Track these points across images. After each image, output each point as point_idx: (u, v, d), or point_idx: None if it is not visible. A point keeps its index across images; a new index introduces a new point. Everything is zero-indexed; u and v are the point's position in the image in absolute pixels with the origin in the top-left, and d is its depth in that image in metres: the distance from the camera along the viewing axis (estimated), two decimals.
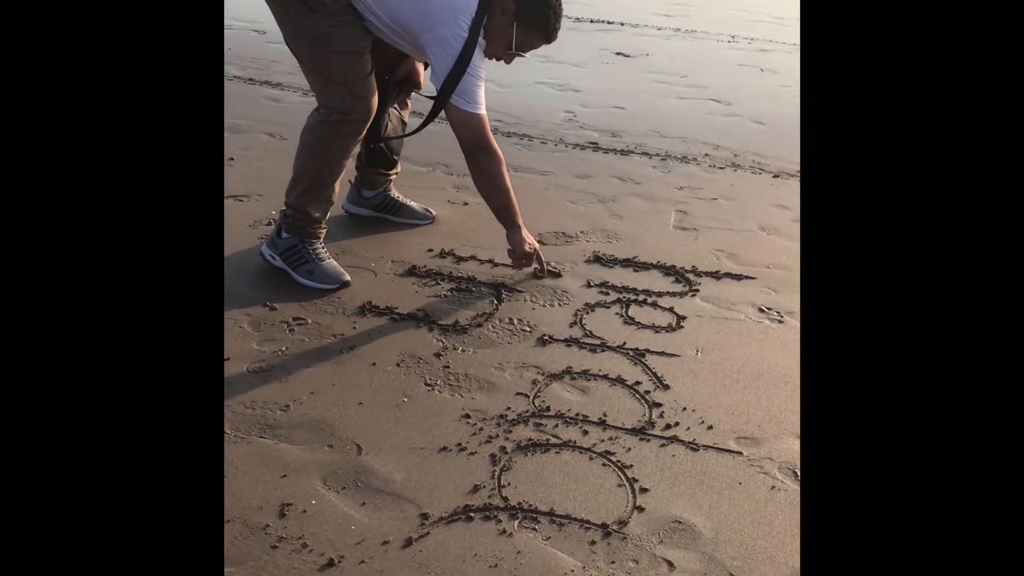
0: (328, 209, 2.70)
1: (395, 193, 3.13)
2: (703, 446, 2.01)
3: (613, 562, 1.67)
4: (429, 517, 1.75)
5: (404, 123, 3.03)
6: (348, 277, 2.63)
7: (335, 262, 2.68)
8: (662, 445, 2.01)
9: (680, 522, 1.78)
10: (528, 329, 2.48)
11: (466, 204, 3.33)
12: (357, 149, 2.76)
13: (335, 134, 2.58)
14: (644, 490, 1.86)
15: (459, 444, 1.97)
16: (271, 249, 2.68)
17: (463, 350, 2.35)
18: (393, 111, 2.93)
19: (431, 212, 3.17)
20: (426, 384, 2.19)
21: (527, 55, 2.58)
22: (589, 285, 2.75)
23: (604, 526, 1.76)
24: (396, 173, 3.12)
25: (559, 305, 2.62)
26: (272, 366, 2.21)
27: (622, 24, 7.26)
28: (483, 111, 2.53)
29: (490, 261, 2.86)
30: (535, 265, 2.73)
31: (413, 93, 3.03)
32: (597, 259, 2.93)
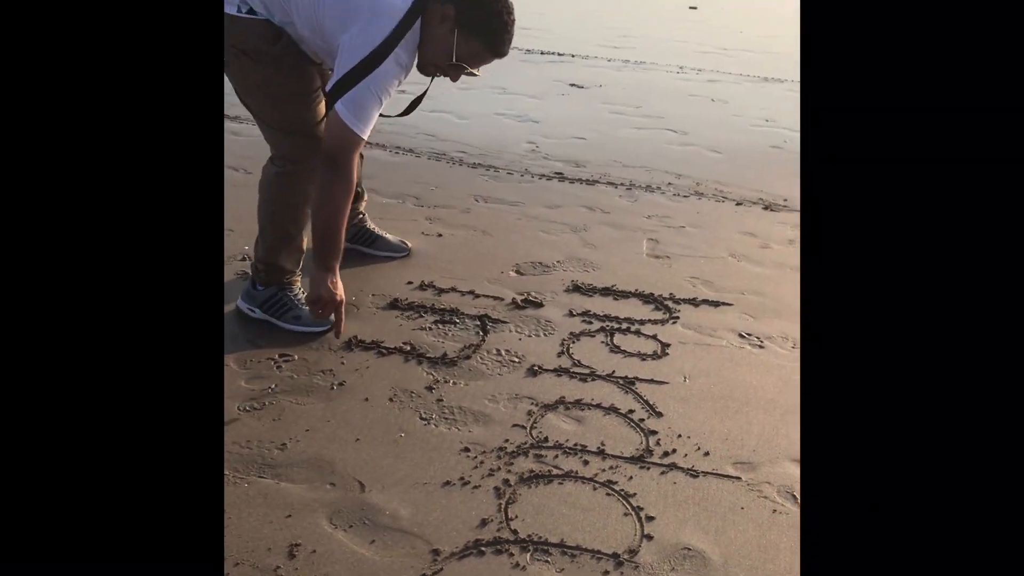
0: (300, 258, 2.61)
1: (371, 225, 3.12)
2: (702, 472, 2.04)
3: None
4: (440, 553, 1.74)
5: (360, 155, 2.76)
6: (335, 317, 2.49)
7: None
8: (662, 472, 2.03)
9: (689, 549, 1.80)
10: (517, 360, 2.49)
11: (440, 235, 3.33)
12: None
13: (292, 185, 2.47)
14: (650, 518, 1.88)
15: (462, 478, 1.96)
16: (249, 303, 2.59)
17: (454, 383, 2.35)
18: None
19: (407, 244, 3.16)
20: (421, 418, 2.18)
21: (477, 72, 2.34)
22: (572, 314, 2.77)
23: (616, 556, 1.77)
24: (365, 203, 3.11)
25: (544, 335, 2.64)
26: (264, 404, 2.18)
27: (572, 56, 7.38)
28: (363, 132, 2.23)
29: (471, 292, 2.86)
30: (330, 320, 2.47)
31: None
32: (576, 288, 2.96)
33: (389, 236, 3.14)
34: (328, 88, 2.20)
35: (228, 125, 4.64)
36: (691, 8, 11.21)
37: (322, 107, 2.39)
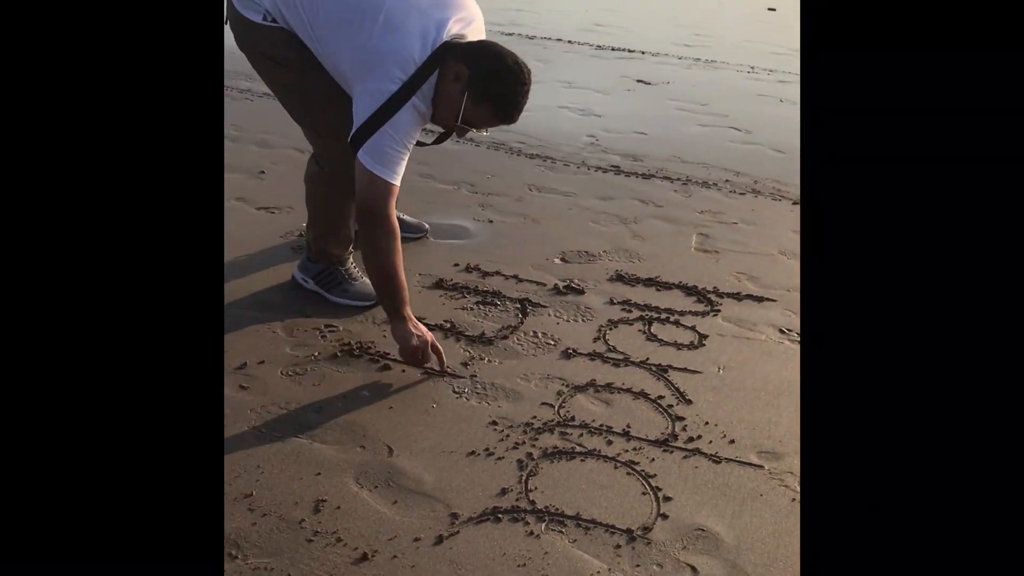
0: (349, 243, 2.67)
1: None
2: (725, 459, 2.06)
3: (638, 565, 1.72)
4: (459, 517, 1.80)
5: None
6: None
7: (367, 279, 2.53)
8: (685, 457, 2.06)
9: (703, 530, 1.83)
10: (552, 342, 2.53)
11: (491, 222, 3.40)
12: None
13: (331, 183, 2.52)
14: (668, 498, 1.91)
15: (487, 449, 2.02)
16: (303, 273, 2.69)
17: (489, 360, 2.41)
18: None
19: (425, 225, 3.21)
20: (454, 392, 2.24)
21: (484, 132, 2.32)
22: (612, 302, 2.80)
23: (629, 531, 1.80)
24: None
25: (582, 321, 2.68)
26: (306, 370, 2.27)
27: (643, 53, 7.37)
28: (392, 178, 2.18)
29: (515, 276, 2.92)
30: (430, 365, 2.32)
31: None
32: (620, 278, 2.99)
33: (407, 217, 3.14)
34: (350, 136, 2.19)
35: None
36: (770, 10, 11.04)
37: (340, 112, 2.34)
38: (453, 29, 2.20)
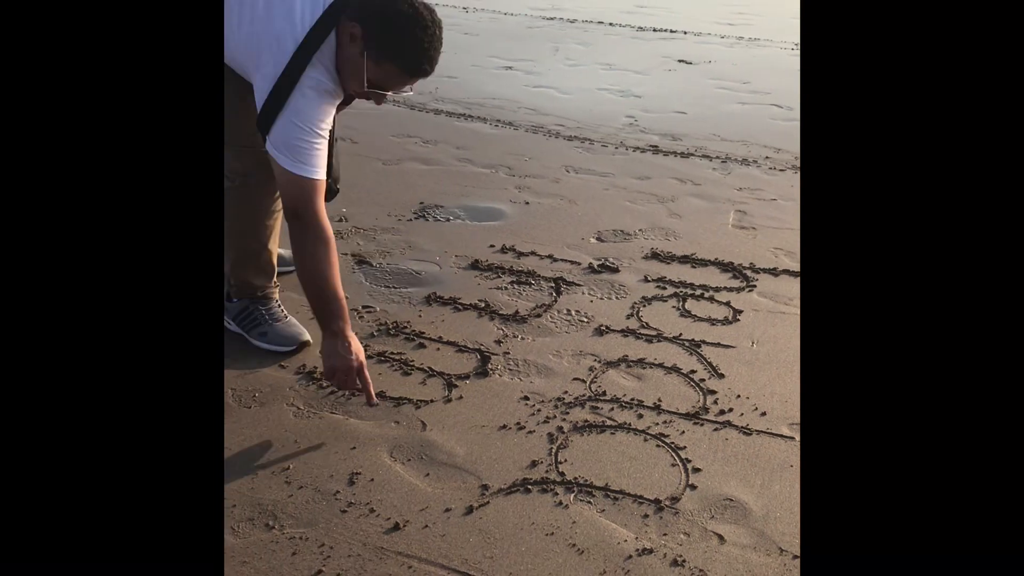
0: (271, 272, 2.38)
1: (269, 307, 2.39)
2: (756, 431, 2.06)
3: (665, 534, 1.74)
4: (489, 488, 1.84)
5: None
6: (307, 336, 2.31)
7: (293, 320, 2.37)
8: (715, 429, 2.07)
9: (731, 500, 1.84)
10: (585, 320, 2.56)
11: (527, 203, 3.42)
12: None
13: (243, 199, 2.25)
14: (697, 470, 1.92)
15: (518, 423, 2.06)
16: (225, 315, 2.35)
17: (522, 338, 2.44)
18: None
19: (302, 336, 2.35)
20: (488, 368, 2.28)
21: (408, 90, 2.05)
22: (647, 280, 2.81)
23: (657, 501, 1.82)
24: (276, 285, 2.44)
25: (616, 298, 2.69)
26: None
27: (685, 33, 7.30)
28: (311, 173, 1.97)
29: (550, 256, 2.94)
30: (354, 389, 2.08)
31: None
32: (655, 255, 2.99)
33: (282, 324, 2.38)
34: (256, 121, 1.98)
35: None
36: None
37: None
38: None
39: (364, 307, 2.56)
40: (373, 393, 2.04)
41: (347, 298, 2.57)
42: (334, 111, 2.04)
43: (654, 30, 7.37)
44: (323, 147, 2.00)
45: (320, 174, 1.99)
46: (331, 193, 2.24)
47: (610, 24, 7.55)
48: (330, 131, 2.11)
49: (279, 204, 2.24)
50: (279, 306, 2.39)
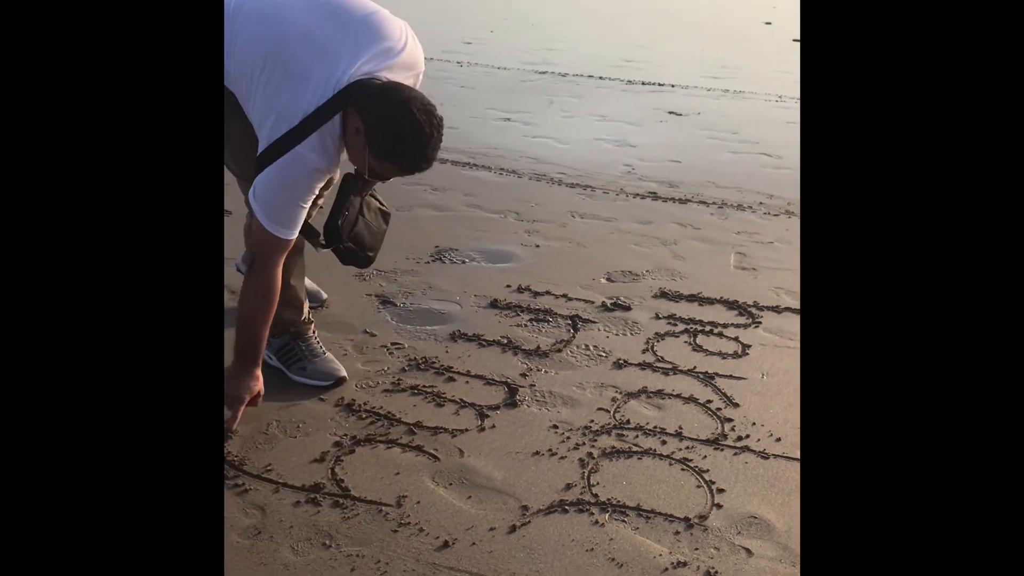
0: (302, 307, 2.49)
1: (307, 343, 2.51)
2: (772, 455, 2.20)
3: (697, 549, 1.86)
4: (529, 509, 1.96)
5: (385, 212, 2.49)
6: (343, 372, 2.44)
7: (330, 356, 2.49)
8: (735, 453, 2.20)
9: (755, 517, 1.97)
10: (604, 354, 2.70)
11: (538, 246, 3.58)
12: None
13: None
14: (721, 490, 2.05)
15: (550, 450, 2.18)
16: (267, 349, 2.41)
17: (546, 371, 2.58)
18: (372, 199, 2.42)
19: (338, 373, 2.47)
20: (516, 400, 2.41)
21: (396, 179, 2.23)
22: (658, 317, 2.96)
23: (687, 519, 1.95)
24: (310, 321, 2.56)
25: (631, 334, 2.84)
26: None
27: (673, 86, 7.58)
28: (280, 234, 2.10)
29: (564, 295, 3.09)
30: (338, 374, 2.41)
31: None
32: (664, 294, 3.15)
33: (319, 360, 2.50)
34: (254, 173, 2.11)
35: None
36: (794, 41, 11.23)
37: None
38: (364, 68, 2.05)
39: (393, 344, 2.69)
40: (235, 427, 2.11)
41: (375, 335, 2.73)
42: (320, 185, 2.17)
43: (643, 83, 7.65)
44: (300, 212, 2.12)
45: (289, 235, 2.12)
46: (362, 261, 2.39)
47: (600, 78, 7.83)
48: (365, 200, 2.32)
49: (301, 242, 2.32)
50: (318, 342, 2.51)
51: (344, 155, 2.17)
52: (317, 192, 2.17)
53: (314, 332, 2.53)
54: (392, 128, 2.00)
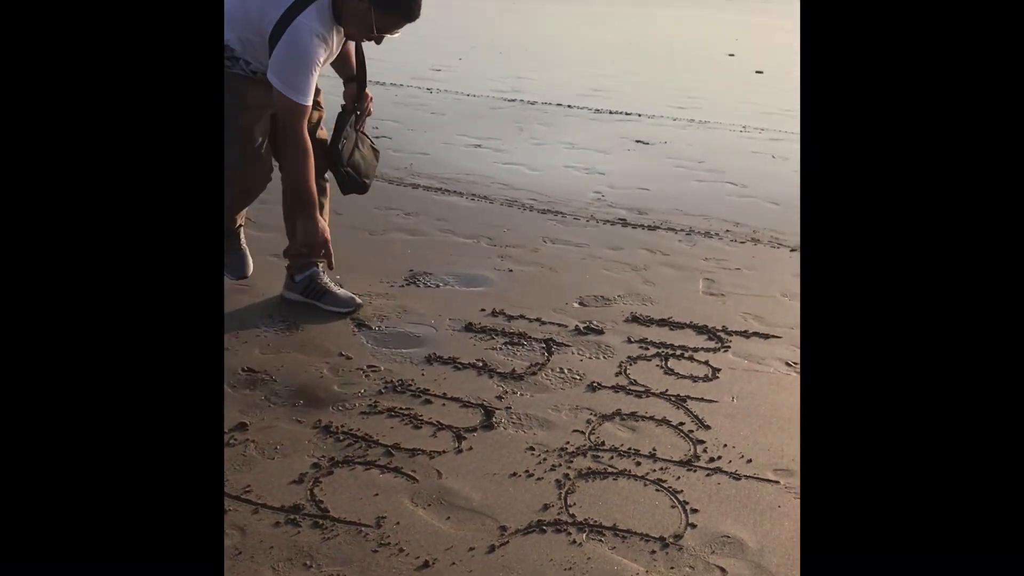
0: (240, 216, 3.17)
1: (324, 279, 3.12)
2: (744, 476, 2.25)
3: (672, 567, 1.90)
4: (507, 529, 1.99)
5: (375, 150, 3.18)
6: (359, 299, 3.11)
7: (342, 289, 3.13)
8: (707, 475, 2.25)
9: (728, 537, 2.01)
10: (578, 377, 2.74)
11: (511, 271, 3.63)
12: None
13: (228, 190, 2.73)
14: (695, 511, 2.10)
15: (527, 471, 2.21)
16: (292, 291, 3.14)
17: (521, 394, 2.61)
18: (365, 137, 3.10)
19: (357, 300, 3.13)
20: (493, 422, 2.44)
21: (396, 34, 2.69)
22: (630, 341, 3.02)
23: (662, 539, 1.99)
24: (325, 264, 3.07)
25: (604, 358, 2.89)
26: (354, 405, 2.47)
27: (639, 115, 7.71)
28: (300, 99, 2.58)
29: (538, 319, 3.13)
30: (322, 254, 2.90)
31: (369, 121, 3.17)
32: (635, 319, 3.20)
33: (339, 290, 3.13)
34: (268, 35, 2.57)
35: None
36: (757, 72, 11.49)
37: (248, 119, 2.76)
38: None
39: (369, 366, 2.71)
40: (333, 261, 2.89)
41: (351, 358, 2.75)
42: (323, 54, 2.62)
43: (610, 112, 7.77)
44: (311, 78, 2.59)
45: (305, 100, 2.60)
46: (360, 187, 3.05)
47: (568, 106, 7.94)
48: (360, 136, 3.05)
49: (323, 183, 3.02)
50: (330, 280, 3.13)
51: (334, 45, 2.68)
52: (322, 62, 2.63)
53: (325, 271, 3.11)
54: None
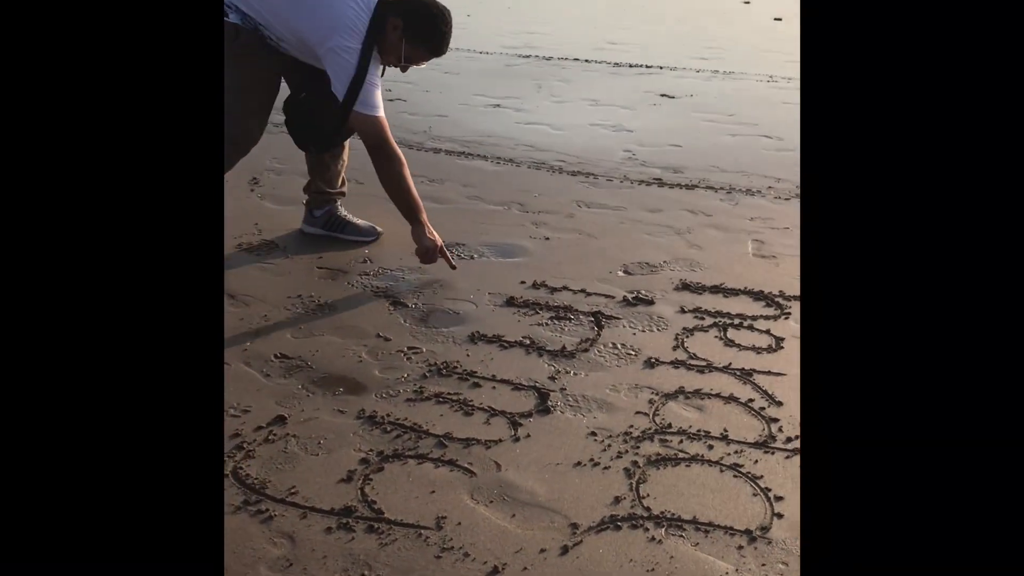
0: (333, 181, 3.36)
1: (342, 212, 3.37)
2: None
3: (764, 564, 1.73)
4: (579, 527, 1.82)
5: (344, 153, 3.37)
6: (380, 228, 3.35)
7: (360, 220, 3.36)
8: (787, 456, 2.08)
9: None
10: (633, 353, 2.56)
11: (547, 239, 3.43)
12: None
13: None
14: (779, 498, 1.93)
15: (592, 459, 2.04)
16: (314, 226, 3.35)
17: (575, 373, 2.43)
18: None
19: (377, 228, 3.38)
20: (548, 405, 2.26)
21: (422, 65, 2.92)
22: (683, 311, 2.83)
23: (748, 532, 1.82)
24: (342, 193, 3.38)
25: (658, 330, 2.70)
26: (398, 392, 2.30)
27: (660, 68, 7.44)
28: (381, 113, 2.83)
29: (583, 291, 2.95)
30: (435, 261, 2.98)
31: None
32: (685, 286, 3.01)
33: (359, 221, 3.38)
34: (341, 100, 2.77)
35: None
36: (776, 20, 11.14)
37: (252, 102, 2.90)
38: None
39: (410, 348, 2.53)
40: (451, 260, 3.01)
41: (389, 340, 2.57)
42: (377, 70, 2.86)
43: (630, 66, 7.50)
44: (380, 94, 2.85)
45: (383, 112, 2.86)
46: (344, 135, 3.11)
47: (586, 61, 7.66)
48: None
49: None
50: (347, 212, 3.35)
51: None
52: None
53: (343, 205, 3.36)
54: (425, 19, 2.80)
